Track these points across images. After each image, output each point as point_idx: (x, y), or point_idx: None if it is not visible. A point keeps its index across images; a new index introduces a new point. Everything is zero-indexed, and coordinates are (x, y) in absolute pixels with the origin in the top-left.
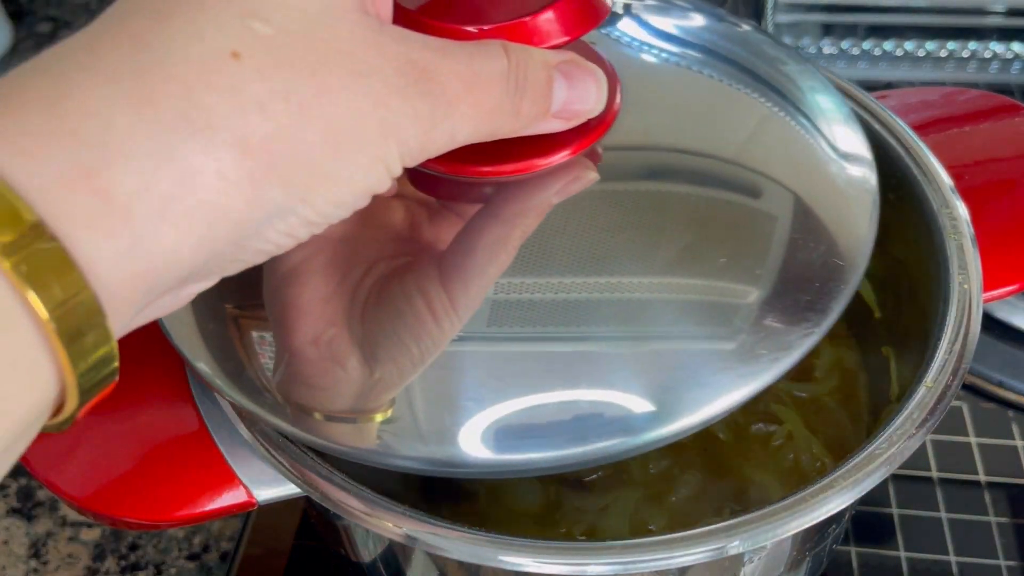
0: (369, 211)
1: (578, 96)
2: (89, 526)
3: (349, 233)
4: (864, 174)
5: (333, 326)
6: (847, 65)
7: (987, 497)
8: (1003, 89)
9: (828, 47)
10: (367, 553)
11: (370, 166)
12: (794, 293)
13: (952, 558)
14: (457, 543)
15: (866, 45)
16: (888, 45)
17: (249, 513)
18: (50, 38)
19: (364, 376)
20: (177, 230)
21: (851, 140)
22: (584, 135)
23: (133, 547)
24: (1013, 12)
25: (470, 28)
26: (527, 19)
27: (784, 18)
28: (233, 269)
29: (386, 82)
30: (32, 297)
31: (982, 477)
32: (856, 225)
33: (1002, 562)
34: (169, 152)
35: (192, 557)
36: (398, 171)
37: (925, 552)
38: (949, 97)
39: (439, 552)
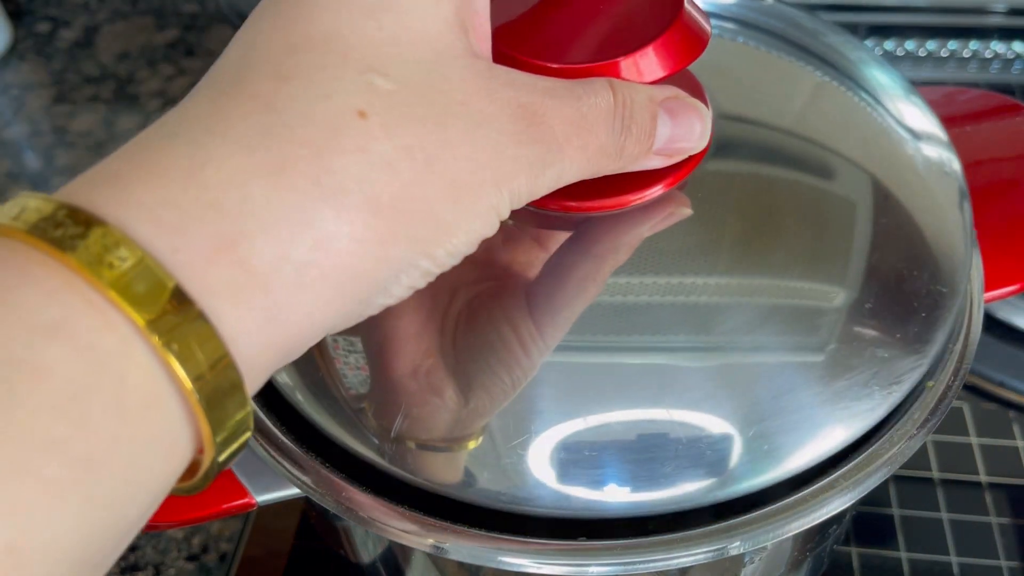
0: None
1: (682, 133)
2: None
3: None
4: (949, 164)
5: (429, 357)
6: None
7: (988, 498)
8: (1004, 89)
9: None
10: (367, 554)
11: (485, 214)
12: (902, 324)
13: (953, 559)
14: (457, 544)
15: (867, 44)
16: (889, 44)
17: (248, 514)
18: (49, 37)
19: (459, 405)
20: (313, 295)
21: (926, 122)
22: (678, 169)
23: (132, 548)
24: (1014, 11)
25: (553, 65)
26: (621, 59)
27: None
28: (352, 323)
29: (500, 130)
30: (179, 370)
31: (983, 478)
32: (954, 241)
33: (1003, 563)
34: (303, 219)
35: (191, 558)
36: (507, 215)
37: (926, 553)
38: (950, 97)
39: (439, 553)
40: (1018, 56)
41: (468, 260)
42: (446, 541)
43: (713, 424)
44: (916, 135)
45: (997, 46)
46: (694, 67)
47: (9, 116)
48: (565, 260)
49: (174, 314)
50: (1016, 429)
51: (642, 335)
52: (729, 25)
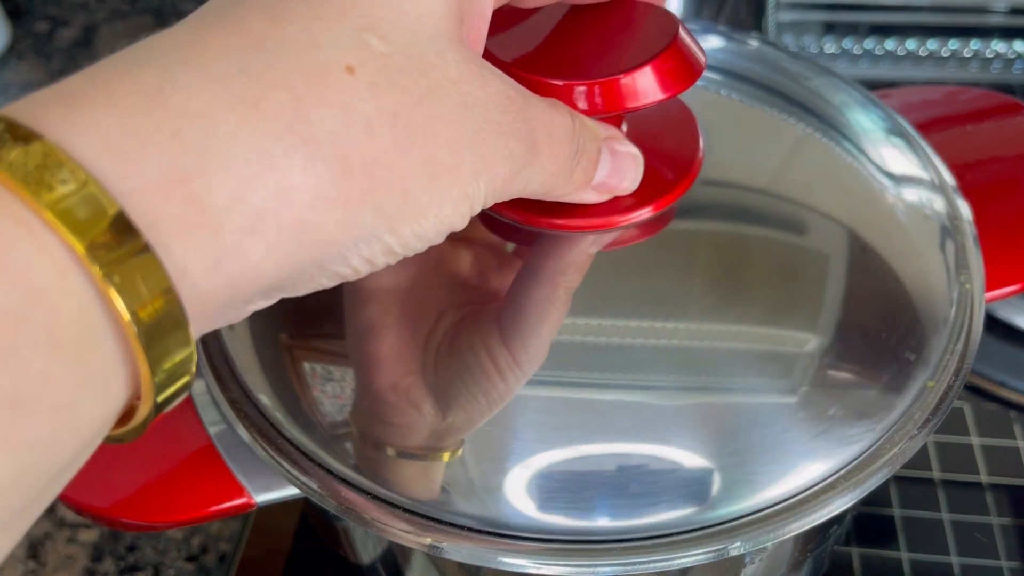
0: (437, 256)
1: (617, 173)
2: (87, 527)
3: (420, 280)
4: (930, 205)
5: (410, 374)
6: (849, 64)
7: (989, 498)
8: (1005, 88)
9: (830, 46)
10: (366, 554)
11: (458, 201)
12: (894, 348)
13: (954, 559)
14: (455, 544)
15: (868, 44)
16: (890, 44)
17: (248, 514)
18: (48, 37)
19: (437, 420)
20: (266, 245)
21: (908, 164)
22: (669, 190)
23: (131, 548)
24: (1015, 11)
25: (556, 82)
26: (622, 76)
27: (786, 17)
28: (304, 290)
29: (487, 117)
30: (118, 304)
31: (984, 478)
32: (933, 265)
33: (1004, 563)
34: (269, 163)
35: (191, 558)
36: (477, 211)
37: (927, 553)
38: (951, 96)
39: (437, 553)
40: (1019, 56)
41: (452, 281)
42: (444, 541)
43: (698, 448)
44: (896, 179)
45: (998, 45)
46: (708, 126)
47: None
48: (521, 285)
49: (117, 245)
50: (1017, 429)
51: (624, 373)
52: (712, 76)
